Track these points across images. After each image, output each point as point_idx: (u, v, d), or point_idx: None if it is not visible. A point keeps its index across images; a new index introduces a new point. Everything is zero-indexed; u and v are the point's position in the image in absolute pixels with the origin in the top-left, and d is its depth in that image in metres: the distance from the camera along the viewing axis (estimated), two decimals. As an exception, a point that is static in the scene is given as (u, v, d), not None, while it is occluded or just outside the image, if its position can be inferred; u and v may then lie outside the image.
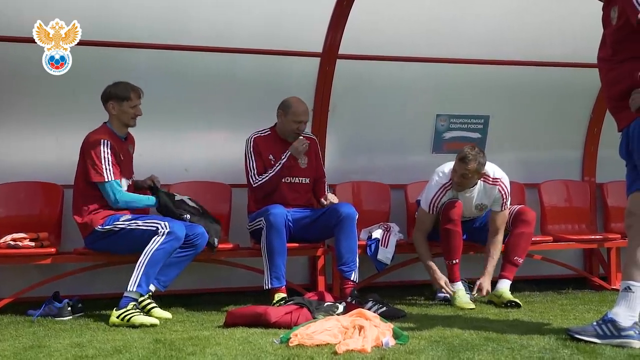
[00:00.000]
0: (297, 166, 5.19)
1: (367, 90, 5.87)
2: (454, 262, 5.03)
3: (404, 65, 5.87)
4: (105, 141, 4.60)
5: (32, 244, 4.77)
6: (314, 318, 4.06)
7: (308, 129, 5.44)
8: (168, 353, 3.40)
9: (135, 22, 5.19)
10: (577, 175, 6.46)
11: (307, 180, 5.27)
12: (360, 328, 3.61)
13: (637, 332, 3.46)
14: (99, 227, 4.58)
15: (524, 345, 3.51)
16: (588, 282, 6.01)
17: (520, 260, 5.17)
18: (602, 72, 3.74)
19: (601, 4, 3.74)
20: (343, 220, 4.91)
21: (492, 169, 5.13)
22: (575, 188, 6.38)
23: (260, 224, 4.89)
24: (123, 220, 4.56)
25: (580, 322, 4.13)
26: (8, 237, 4.75)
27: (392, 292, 5.52)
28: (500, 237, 5.17)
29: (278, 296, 4.73)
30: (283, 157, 5.10)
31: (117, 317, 4.25)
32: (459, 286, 5.01)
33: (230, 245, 5.09)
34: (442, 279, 5.03)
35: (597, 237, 5.94)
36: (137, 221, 4.53)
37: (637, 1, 3.38)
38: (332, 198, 5.16)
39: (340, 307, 4.34)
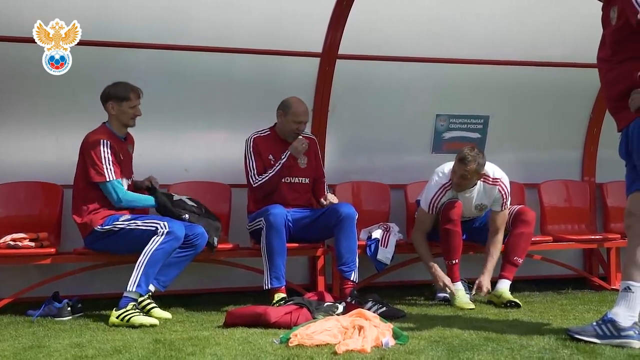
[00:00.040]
0: (297, 166, 5.18)
1: (366, 91, 5.87)
2: (454, 262, 5.04)
3: (403, 65, 5.87)
4: (105, 141, 4.60)
5: (32, 244, 4.77)
6: (314, 318, 4.06)
7: (308, 129, 5.44)
8: (168, 353, 3.40)
9: (135, 22, 5.19)
10: (576, 176, 6.45)
11: (307, 180, 5.26)
12: (360, 328, 3.61)
13: (636, 332, 3.46)
14: (99, 227, 4.58)
15: (523, 345, 3.51)
16: (588, 282, 6.01)
17: (520, 261, 5.17)
18: (601, 72, 3.74)
19: (601, 4, 3.74)
20: (343, 220, 4.91)
21: (491, 169, 5.13)
22: (575, 188, 6.37)
23: (260, 224, 4.89)
24: (122, 221, 4.56)
25: (580, 322, 4.13)
26: (8, 237, 4.75)
27: (391, 292, 5.52)
28: (500, 237, 5.17)
29: (278, 296, 4.73)
30: (283, 157, 5.10)
31: (117, 317, 4.24)
32: (459, 286, 5.01)
33: (230, 246, 5.09)
34: (445, 279, 5.03)
35: (597, 237, 5.94)
36: (137, 221, 4.53)
37: (636, 1, 3.37)
38: (332, 198, 5.16)
39: (340, 307, 4.34)
